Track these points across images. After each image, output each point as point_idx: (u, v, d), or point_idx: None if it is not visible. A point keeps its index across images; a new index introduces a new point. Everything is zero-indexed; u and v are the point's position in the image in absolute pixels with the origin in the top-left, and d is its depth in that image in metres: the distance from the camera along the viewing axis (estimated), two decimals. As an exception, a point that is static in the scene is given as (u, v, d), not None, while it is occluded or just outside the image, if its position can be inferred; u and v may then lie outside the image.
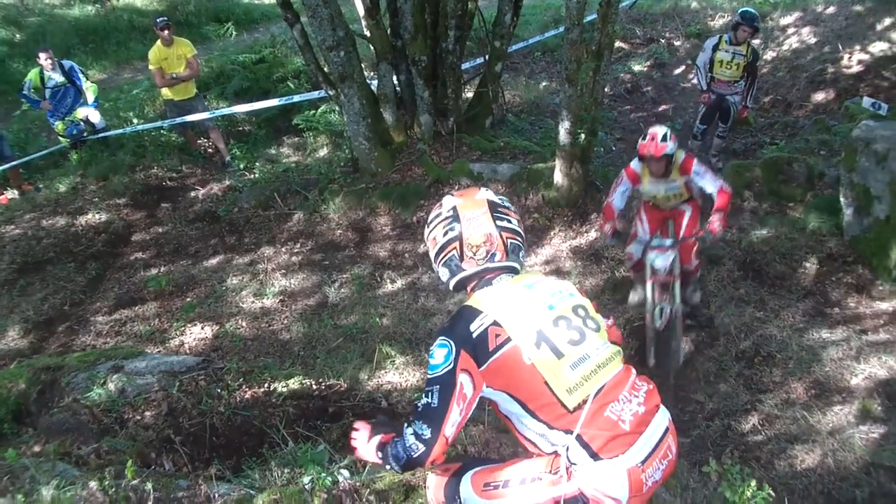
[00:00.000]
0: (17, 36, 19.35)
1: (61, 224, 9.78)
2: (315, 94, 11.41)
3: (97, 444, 4.13)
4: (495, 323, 2.65)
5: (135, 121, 12.07)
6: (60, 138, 11.26)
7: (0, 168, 10.84)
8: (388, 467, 2.76)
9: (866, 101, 9.05)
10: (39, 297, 8.48)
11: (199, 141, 11.74)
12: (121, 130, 11.39)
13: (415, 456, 2.63)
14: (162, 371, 4.76)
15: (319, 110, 11.92)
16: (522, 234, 2.96)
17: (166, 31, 10.51)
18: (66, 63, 11.14)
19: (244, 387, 4.78)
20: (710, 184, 6.10)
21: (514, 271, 2.91)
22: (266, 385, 4.92)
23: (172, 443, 4.27)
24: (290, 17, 8.94)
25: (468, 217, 2.88)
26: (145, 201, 10.30)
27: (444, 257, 2.90)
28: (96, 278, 8.87)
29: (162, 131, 11.56)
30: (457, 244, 2.87)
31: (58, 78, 10.89)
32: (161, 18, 10.78)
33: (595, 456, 2.61)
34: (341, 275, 8.25)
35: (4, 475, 3.35)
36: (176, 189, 10.64)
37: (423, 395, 2.65)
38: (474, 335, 2.63)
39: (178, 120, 10.85)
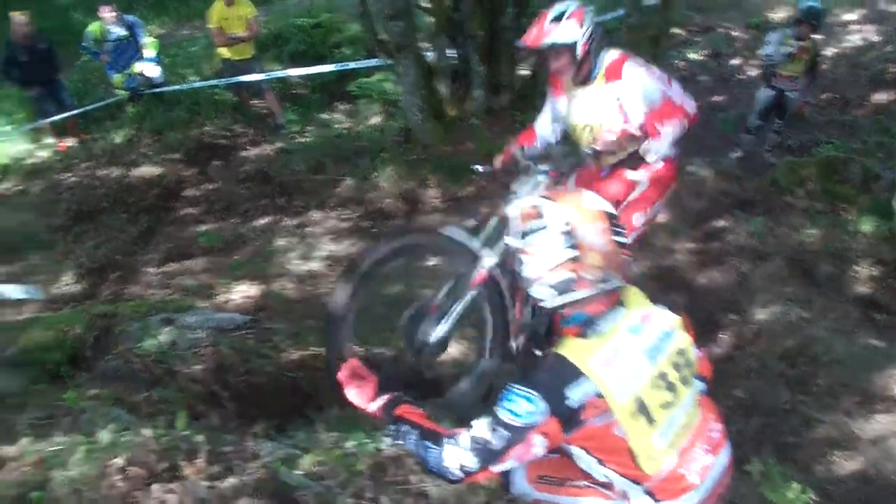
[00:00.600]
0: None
1: (116, 175, 9.92)
2: (371, 63, 11.42)
3: (148, 393, 4.22)
4: (598, 395, 2.39)
5: (191, 78, 12.17)
6: (118, 91, 11.38)
7: (60, 116, 11.02)
8: (404, 446, 2.63)
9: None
10: (92, 244, 8.63)
11: (253, 102, 11.83)
12: (177, 87, 11.51)
13: (449, 478, 2.50)
14: (211, 327, 4.85)
15: (374, 78, 11.96)
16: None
17: (229, -8, 10.57)
18: (129, 18, 11.23)
19: (291, 349, 4.85)
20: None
21: (618, 293, 2.60)
22: (313, 348, 4.99)
23: (220, 398, 4.36)
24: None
25: (588, 234, 2.50)
26: (198, 158, 10.39)
27: (556, 280, 2.54)
28: (148, 230, 8.99)
29: (217, 90, 11.65)
30: (575, 266, 2.50)
31: (120, 31, 10.99)
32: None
33: (657, 501, 2.58)
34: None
35: (64, 416, 3.46)
36: (228, 148, 10.74)
37: (485, 428, 2.44)
38: (571, 405, 2.38)
39: (234, 80, 10.94)
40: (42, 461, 2.99)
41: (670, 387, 2.55)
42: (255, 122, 11.55)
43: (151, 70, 11.11)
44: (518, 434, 2.37)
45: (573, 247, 2.48)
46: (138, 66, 11.09)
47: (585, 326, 2.51)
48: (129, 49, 11.14)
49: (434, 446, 2.51)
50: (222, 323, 4.90)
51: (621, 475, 2.57)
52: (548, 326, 2.98)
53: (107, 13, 10.88)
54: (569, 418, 2.38)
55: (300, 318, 7.09)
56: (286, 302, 7.37)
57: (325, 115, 11.89)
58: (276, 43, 13.34)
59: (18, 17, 10.60)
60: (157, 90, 11.28)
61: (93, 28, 11.06)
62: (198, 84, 11.59)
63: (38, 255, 8.57)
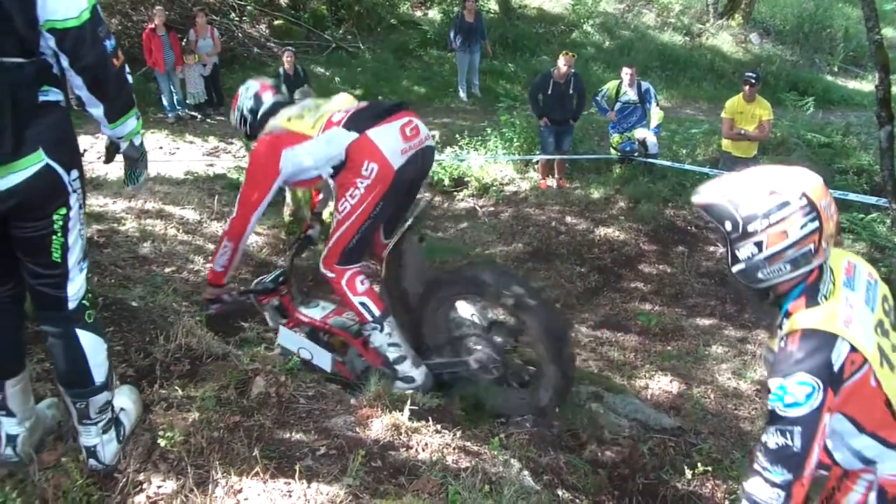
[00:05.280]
0: (607, 43, 20.47)
1: (582, 227, 10.17)
2: (870, 199, 10.64)
3: (555, 455, 4.16)
4: (853, 349, 2.44)
5: (684, 158, 12.15)
6: (612, 150, 11.71)
7: (553, 157, 11.57)
8: None
9: None
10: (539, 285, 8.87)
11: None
12: (668, 163, 11.54)
13: None
14: (637, 419, 4.69)
15: (868, 217, 11.14)
16: None
17: (750, 87, 10.37)
18: (644, 84, 11.51)
19: (709, 474, 4.54)
20: None
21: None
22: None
23: (622, 490, 4.19)
24: (883, 116, 8.36)
25: (823, 205, 2.50)
26: (664, 237, 10.35)
27: (794, 253, 2.50)
28: (594, 290, 9.10)
29: (706, 178, 11.50)
30: (816, 237, 2.49)
31: (632, 95, 11.31)
32: (751, 74, 10.66)
33: (889, 445, 2.60)
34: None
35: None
36: (696, 238, 10.54)
37: (776, 435, 2.41)
38: (836, 368, 2.41)
39: (728, 174, 10.73)
40: None
41: (886, 333, 2.64)
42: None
43: (650, 139, 11.29)
44: (810, 424, 2.38)
45: (815, 218, 2.49)
46: (639, 133, 11.31)
47: (809, 295, 2.56)
48: (635, 113, 11.43)
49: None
50: (649, 420, 4.73)
51: (881, 440, 2.60)
52: None
53: (626, 74, 11.21)
54: (837, 381, 2.41)
55: (713, 432, 6.74)
56: (702, 411, 7.03)
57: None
58: (778, 150, 12.91)
59: (565, 56, 11.30)
60: (649, 160, 11.41)
61: (610, 86, 11.49)
62: (689, 166, 11.53)
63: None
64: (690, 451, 4.77)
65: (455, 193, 12.11)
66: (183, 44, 14.48)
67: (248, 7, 18.85)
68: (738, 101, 10.54)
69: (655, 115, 11.42)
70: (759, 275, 2.59)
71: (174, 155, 12.75)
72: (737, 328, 8.61)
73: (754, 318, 8.73)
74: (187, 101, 14.79)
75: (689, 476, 4.34)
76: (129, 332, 4.17)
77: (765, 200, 2.51)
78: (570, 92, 11.51)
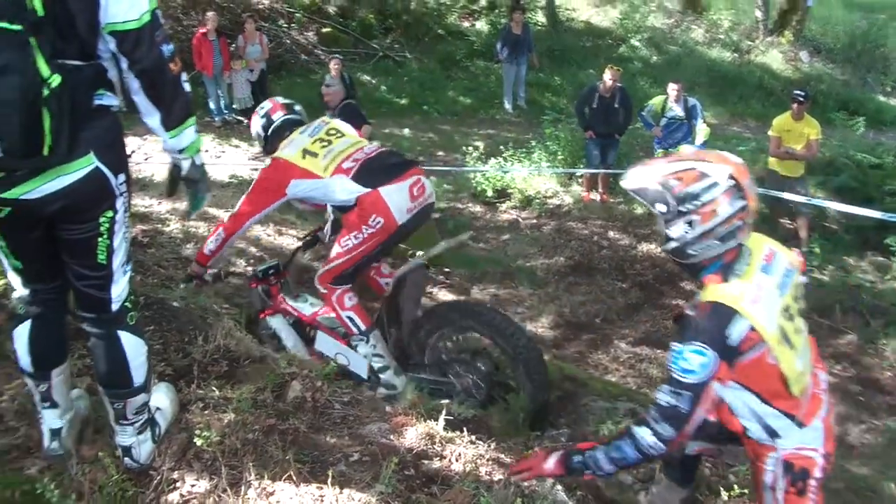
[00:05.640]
0: (654, 58, 20.38)
1: (624, 243, 10.13)
2: (922, 222, 10.46)
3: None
4: (752, 328, 2.68)
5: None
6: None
7: (598, 171, 11.52)
8: (598, 472, 2.90)
9: None
10: (580, 299, 8.86)
11: (782, 220, 11.38)
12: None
13: (653, 455, 2.76)
14: (672, 437, 4.62)
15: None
16: None
17: (799, 106, 10.24)
18: (691, 100, 11.43)
19: (745, 497, 4.47)
20: None
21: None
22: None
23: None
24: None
25: (747, 185, 2.79)
26: (707, 255, 10.23)
27: (723, 230, 2.77)
28: (634, 306, 9.03)
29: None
30: (743, 214, 2.78)
31: (678, 111, 11.23)
32: (799, 92, 10.51)
33: (801, 425, 2.90)
34: (872, 419, 7.48)
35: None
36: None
37: (669, 395, 2.71)
38: (731, 343, 2.67)
39: (775, 193, 10.58)
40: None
41: (792, 317, 2.87)
42: (778, 240, 11.02)
43: (699, 157, 11.16)
44: (699, 391, 2.66)
45: (741, 197, 2.75)
46: (685, 149, 11.19)
47: (725, 272, 2.82)
48: (681, 129, 11.34)
49: (623, 443, 2.81)
50: (686, 438, 4.65)
51: (778, 410, 2.87)
52: None
53: (673, 90, 11.14)
54: (732, 355, 2.68)
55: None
56: (741, 432, 6.95)
57: (850, 260, 11.08)
58: (826, 170, 12.71)
59: (611, 70, 11.33)
60: (692, 178, 11.29)
61: (656, 101, 11.42)
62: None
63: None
64: (727, 472, 4.71)
65: (498, 205, 12.09)
66: (232, 49, 14.62)
67: (297, 14, 19.02)
68: (787, 119, 10.41)
69: (701, 131, 11.31)
70: (690, 251, 2.84)
71: (219, 158, 12.87)
72: (778, 349, 8.49)
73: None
74: (234, 106, 14.92)
75: (725, 498, 4.27)
76: (169, 332, 4.21)
77: (695, 183, 2.76)
78: (616, 106, 11.47)
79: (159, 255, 6.57)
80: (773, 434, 2.91)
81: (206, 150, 13.25)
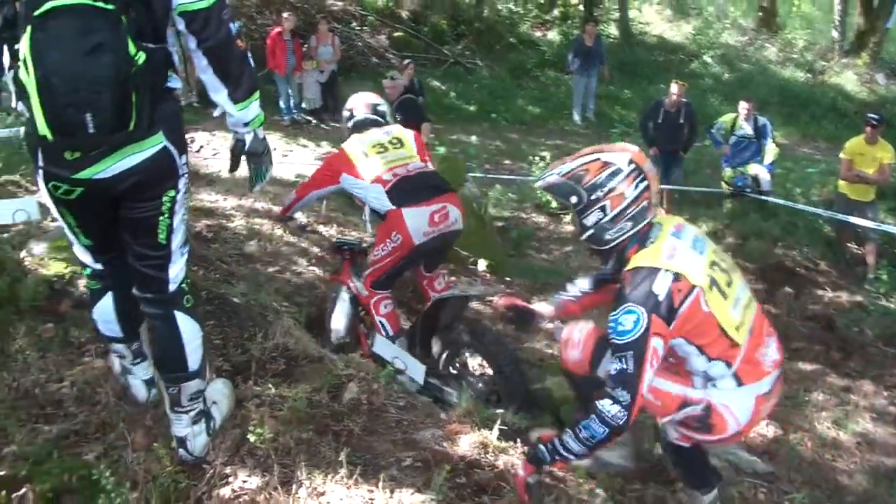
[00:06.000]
0: (726, 75, 20.16)
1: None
2: None
3: (642, 489, 4.09)
4: (676, 277, 2.87)
5: (798, 197, 11.82)
6: (723, 184, 11.50)
7: (665, 186, 11.42)
8: (570, 458, 3.00)
9: None
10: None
11: (850, 244, 11.16)
12: (781, 201, 11.24)
13: (619, 424, 2.83)
14: (728, 461, 4.57)
15: None
16: None
17: (873, 129, 10.06)
18: (761, 119, 11.31)
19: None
20: None
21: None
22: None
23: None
24: None
25: (647, 168, 3.09)
26: (771, 276, 10.06)
27: (633, 210, 3.02)
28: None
29: (819, 219, 11.17)
30: (648, 193, 3.05)
31: (748, 130, 11.13)
32: (874, 115, 10.35)
33: (740, 383, 3.09)
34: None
35: None
36: (805, 279, 10.23)
37: (615, 361, 2.87)
38: (661, 297, 2.83)
39: (843, 217, 10.38)
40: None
41: (724, 270, 3.09)
42: (844, 265, 10.86)
43: (764, 176, 11.06)
44: (639, 349, 2.79)
45: (643, 179, 3.04)
46: (753, 168, 11.10)
47: (641, 243, 3.05)
48: (750, 148, 11.23)
49: (589, 421, 2.89)
50: (741, 463, 4.60)
51: (717, 358, 3.04)
52: None
53: (743, 108, 11.01)
54: (666, 310, 2.83)
55: (807, 482, 6.51)
56: (798, 459, 6.80)
57: (922, 287, 10.84)
58: (897, 195, 12.47)
59: (677, 85, 11.22)
60: (761, 197, 11.14)
61: (726, 119, 11.32)
62: (802, 206, 11.20)
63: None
64: (782, 498, 4.63)
65: (562, 216, 12.02)
66: (304, 49, 14.77)
67: (370, 17, 19.16)
68: (859, 142, 10.23)
69: (771, 151, 11.17)
70: (607, 236, 3.09)
71: (287, 157, 12.98)
72: (841, 376, 8.31)
73: (857, 368, 8.46)
74: (303, 106, 15.07)
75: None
76: (229, 328, 4.26)
77: (601, 172, 3.05)
78: (681, 121, 11.38)
79: (222, 250, 6.64)
80: (709, 380, 3.13)
81: (275, 149, 13.34)
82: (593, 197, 3.05)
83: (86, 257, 3.11)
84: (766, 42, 22.82)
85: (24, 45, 2.41)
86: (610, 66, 17.70)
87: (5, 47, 2.60)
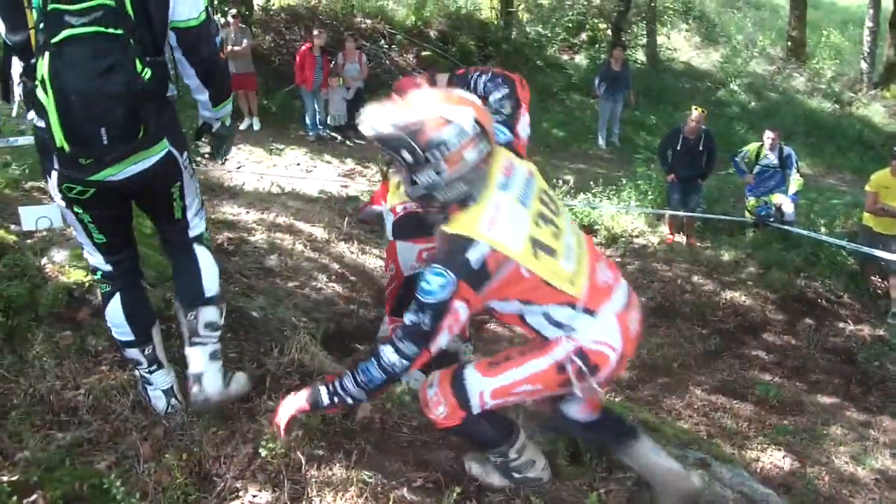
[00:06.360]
0: (753, 104, 20.10)
1: (708, 288, 9.98)
2: None
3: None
4: (492, 249, 2.74)
5: (821, 229, 11.73)
6: (747, 213, 11.49)
7: (683, 214, 11.39)
8: (348, 400, 2.93)
9: None
10: (658, 342, 8.72)
11: (874, 279, 11.07)
12: (804, 232, 11.11)
13: (396, 373, 2.82)
14: (743, 492, 4.49)
15: None
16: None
17: (897, 162, 10.02)
18: (786, 149, 11.29)
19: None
20: None
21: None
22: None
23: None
24: None
25: (490, 128, 2.85)
26: (793, 308, 9.95)
27: (471, 174, 2.81)
28: (713, 353, 8.87)
29: (842, 252, 11.08)
30: (486, 155, 2.84)
31: (772, 159, 11.11)
32: (898, 148, 10.29)
33: (592, 313, 2.98)
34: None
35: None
36: (826, 312, 10.12)
37: (412, 314, 2.78)
38: (473, 265, 2.72)
39: (867, 250, 10.29)
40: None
41: (549, 221, 2.96)
42: (867, 299, 10.75)
43: (788, 206, 11.02)
44: (441, 309, 2.73)
45: (486, 140, 2.81)
46: (777, 198, 11.07)
47: (464, 201, 2.84)
48: (774, 178, 11.22)
49: (368, 364, 2.87)
50: (756, 495, 4.51)
51: (553, 304, 2.94)
52: None
53: (769, 138, 11.00)
54: (476, 278, 2.74)
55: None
56: (814, 493, 6.74)
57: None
58: (924, 230, 12.36)
59: (696, 112, 11.21)
60: (784, 227, 11.08)
61: (751, 148, 11.32)
62: (825, 238, 11.11)
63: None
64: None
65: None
66: (331, 66, 14.85)
67: (398, 36, 19.24)
68: (885, 175, 10.14)
69: (795, 181, 11.13)
70: (439, 196, 2.84)
71: (310, 173, 13.06)
72: (860, 411, 8.24)
73: (877, 403, 8.37)
74: (328, 122, 15.14)
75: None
76: (246, 341, 4.28)
77: (441, 129, 2.72)
78: (701, 149, 11.33)
79: (242, 263, 6.68)
80: (563, 327, 3.00)
81: (298, 164, 13.47)
82: (430, 156, 2.74)
83: (97, 258, 3.36)
84: (794, 71, 22.73)
85: (42, 69, 2.70)
86: (636, 91, 17.69)
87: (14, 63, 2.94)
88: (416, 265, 5.35)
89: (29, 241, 4.94)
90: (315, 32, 14.95)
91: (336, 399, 2.95)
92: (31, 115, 2.92)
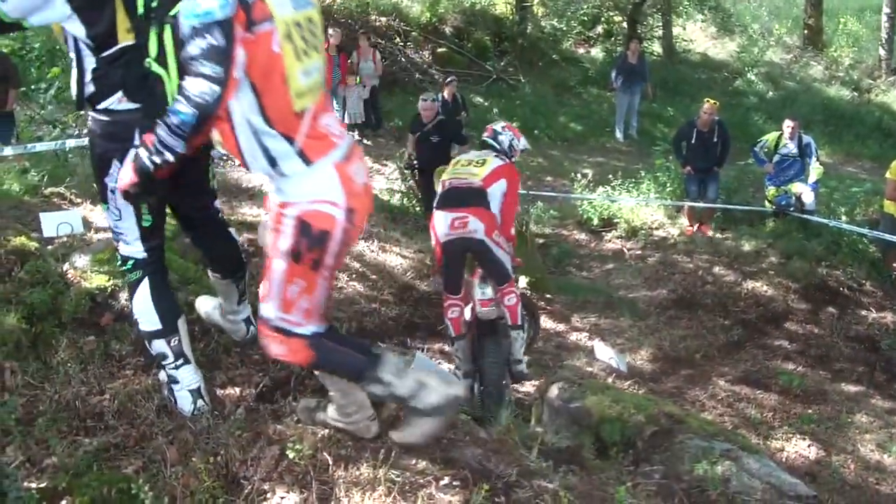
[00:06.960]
0: (770, 94, 19.99)
1: (730, 279, 9.94)
2: None
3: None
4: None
5: (841, 217, 11.65)
6: (766, 202, 11.42)
7: (702, 205, 11.35)
8: (167, 155, 2.73)
9: None
10: (681, 334, 8.72)
11: (894, 265, 10.98)
12: (825, 220, 11.05)
13: (211, 101, 2.61)
14: (771, 483, 4.46)
15: None
16: None
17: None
18: (805, 138, 11.22)
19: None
20: None
21: None
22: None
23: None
24: None
25: None
26: (814, 297, 9.92)
27: None
28: (735, 344, 8.87)
29: (863, 239, 11.00)
30: None
31: (791, 148, 11.03)
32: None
33: (308, 162, 2.87)
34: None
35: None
36: (849, 300, 10.06)
37: (197, 39, 2.61)
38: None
39: (888, 237, 10.23)
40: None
41: (305, 39, 2.85)
42: (889, 286, 10.68)
43: (808, 195, 10.96)
44: (227, 26, 2.59)
45: None
46: (797, 187, 11.01)
47: None
48: (794, 167, 11.15)
49: (175, 105, 2.67)
50: (784, 485, 4.48)
51: (276, 127, 2.82)
52: None
53: (788, 127, 10.92)
54: (247, 7, 2.64)
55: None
56: (841, 482, 6.70)
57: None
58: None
59: (708, 104, 11.16)
60: (804, 216, 11.01)
61: (770, 138, 11.25)
62: (845, 225, 11.02)
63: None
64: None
65: (603, 234, 12.01)
66: (349, 64, 14.85)
67: (413, 33, 19.23)
68: (903, 159, 10.08)
69: (815, 170, 11.07)
70: None
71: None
72: (885, 398, 8.20)
73: None
74: (346, 121, 15.14)
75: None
76: (269, 343, 4.28)
77: None
78: (715, 140, 11.33)
79: (263, 265, 6.68)
80: (274, 164, 2.87)
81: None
82: None
83: (135, 246, 3.40)
84: (811, 60, 22.55)
85: (164, 41, 2.91)
86: (653, 83, 17.63)
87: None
88: (450, 233, 6.11)
89: (50, 247, 4.97)
90: (330, 31, 14.95)
91: (158, 159, 2.76)
92: (110, 101, 3.11)
